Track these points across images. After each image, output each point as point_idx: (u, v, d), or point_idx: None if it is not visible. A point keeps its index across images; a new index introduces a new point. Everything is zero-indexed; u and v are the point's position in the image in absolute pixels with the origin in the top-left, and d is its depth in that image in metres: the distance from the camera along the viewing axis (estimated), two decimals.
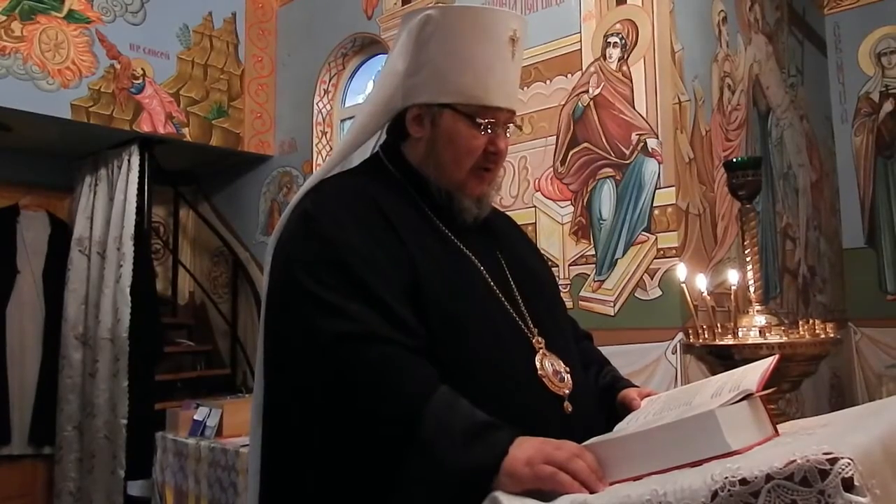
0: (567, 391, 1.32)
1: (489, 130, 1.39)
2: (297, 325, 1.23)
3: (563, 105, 3.53)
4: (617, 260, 3.30)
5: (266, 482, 1.35)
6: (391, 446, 1.12)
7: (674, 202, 3.16)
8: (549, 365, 1.33)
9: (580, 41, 3.53)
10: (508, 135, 1.45)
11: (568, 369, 1.36)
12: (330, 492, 1.20)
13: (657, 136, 3.22)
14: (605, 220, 3.35)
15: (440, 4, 1.90)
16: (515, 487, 1.04)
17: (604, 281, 3.33)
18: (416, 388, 1.14)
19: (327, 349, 1.17)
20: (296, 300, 1.24)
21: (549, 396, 1.30)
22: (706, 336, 2.47)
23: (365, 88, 4.92)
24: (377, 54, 4.74)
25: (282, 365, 1.30)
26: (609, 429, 1.27)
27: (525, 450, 1.07)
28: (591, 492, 1.02)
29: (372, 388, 1.14)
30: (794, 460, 0.84)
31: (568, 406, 1.31)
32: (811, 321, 2.44)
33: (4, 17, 3.97)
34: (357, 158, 1.54)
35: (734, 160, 2.69)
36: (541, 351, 1.34)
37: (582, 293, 3.38)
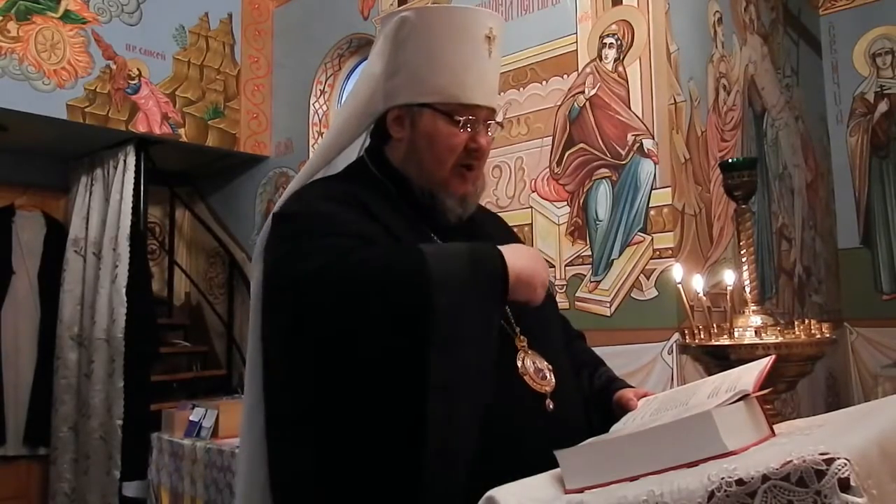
0: (549, 389, 1.34)
1: (469, 128, 1.39)
2: (282, 294, 1.28)
3: (559, 106, 3.54)
4: (613, 260, 3.30)
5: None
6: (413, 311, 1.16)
7: (670, 203, 3.17)
8: (530, 363, 1.34)
9: (576, 42, 3.53)
10: (490, 133, 1.45)
11: (551, 367, 1.37)
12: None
13: (653, 136, 3.23)
14: (601, 221, 3.36)
15: (427, 6, 1.91)
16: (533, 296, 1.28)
17: (600, 281, 3.34)
18: (404, 256, 1.23)
19: (313, 282, 1.20)
20: (276, 280, 1.30)
21: (531, 394, 1.31)
22: (702, 336, 2.46)
23: None
24: None
25: (284, 341, 1.31)
26: (606, 429, 1.27)
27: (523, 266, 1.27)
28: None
29: (367, 282, 1.18)
30: (791, 461, 0.84)
31: (550, 404, 1.32)
32: (807, 321, 2.44)
33: (0, 18, 3.96)
34: (342, 163, 1.55)
35: (730, 161, 2.68)
36: (522, 349, 1.36)
37: (578, 294, 3.39)
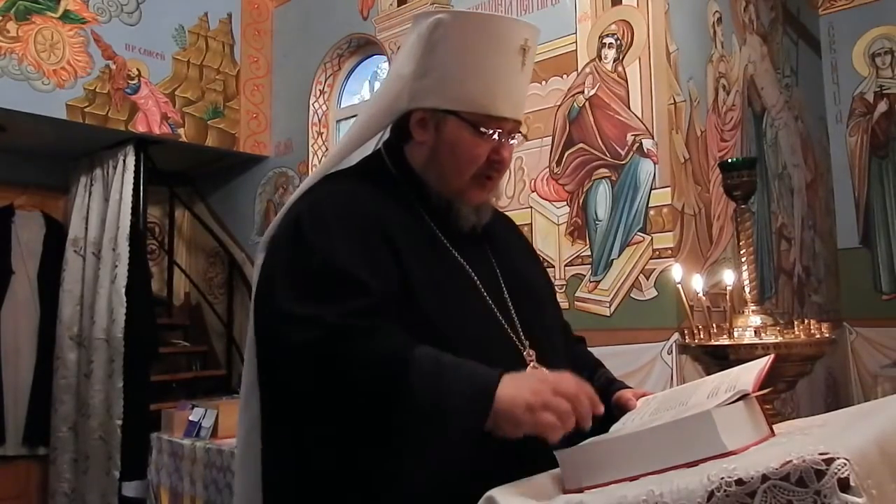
0: None
1: (494, 139, 1.37)
2: (272, 332, 1.27)
3: (559, 106, 3.53)
4: (613, 260, 3.30)
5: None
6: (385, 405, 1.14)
7: (669, 203, 3.17)
8: None
9: (576, 42, 3.53)
10: (514, 143, 1.43)
11: None
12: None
13: (653, 136, 3.23)
14: (600, 221, 3.36)
15: (441, 6, 1.90)
16: (516, 432, 1.11)
17: (599, 281, 3.33)
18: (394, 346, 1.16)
19: (297, 358, 1.18)
20: (270, 308, 1.27)
21: None
22: (701, 336, 2.47)
23: (361, 89, 4.92)
24: (373, 55, 4.74)
25: (268, 358, 1.33)
26: (605, 430, 1.27)
27: (520, 390, 1.11)
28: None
29: (353, 375, 1.14)
30: (791, 461, 0.84)
31: None
32: (806, 321, 2.44)
33: (0, 18, 3.96)
34: (357, 155, 1.53)
35: (729, 161, 2.69)
36: (531, 363, 1.35)
37: (578, 294, 3.39)
